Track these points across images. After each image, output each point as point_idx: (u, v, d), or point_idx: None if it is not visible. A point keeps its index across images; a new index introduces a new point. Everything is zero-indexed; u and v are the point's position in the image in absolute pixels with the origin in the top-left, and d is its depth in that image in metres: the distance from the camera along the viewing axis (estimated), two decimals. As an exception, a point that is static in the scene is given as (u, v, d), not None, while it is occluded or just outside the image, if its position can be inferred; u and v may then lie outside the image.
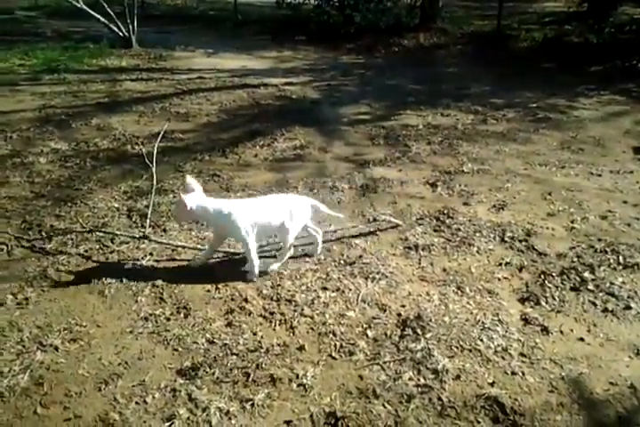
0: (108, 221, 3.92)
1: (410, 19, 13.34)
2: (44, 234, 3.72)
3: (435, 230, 3.94)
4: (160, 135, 4.88)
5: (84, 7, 11.07)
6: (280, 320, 2.88)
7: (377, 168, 5.16)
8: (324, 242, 3.57)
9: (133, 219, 3.97)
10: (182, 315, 2.90)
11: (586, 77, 9.31)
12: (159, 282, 3.18)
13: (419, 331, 2.81)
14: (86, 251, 3.53)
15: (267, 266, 3.31)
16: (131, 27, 10.94)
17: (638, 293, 3.19)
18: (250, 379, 2.45)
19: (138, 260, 3.42)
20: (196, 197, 3.10)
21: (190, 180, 3.19)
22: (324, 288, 3.18)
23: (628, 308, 3.05)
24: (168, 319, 2.86)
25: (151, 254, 3.49)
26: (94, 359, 2.57)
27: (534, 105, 7.56)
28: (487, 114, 7.07)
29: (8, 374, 2.46)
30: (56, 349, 2.63)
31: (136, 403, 2.31)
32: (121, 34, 11.06)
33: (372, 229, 3.91)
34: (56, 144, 5.60)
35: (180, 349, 2.65)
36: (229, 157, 5.38)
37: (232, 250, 3.54)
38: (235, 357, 2.59)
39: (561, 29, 12.17)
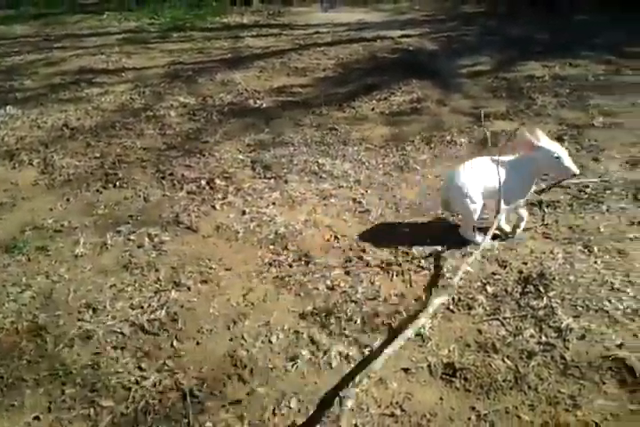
0: (234, 172, 4.12)
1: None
2: (176, 183, 3.99)
3: (561, 187, 3.74)
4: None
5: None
6: (397, 271, 2.92)
7: (498, 121, 4.95)
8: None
9: (257, 170, 4.14)
10: (303, 262, 3.02)
11: None
12: (282, 230, 3.32)
13: (541, 289, 2.73)
14: (214, 199, 3.74)
15: None
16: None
17: None
18: (368, 326, 2.53)
19: (262, 208, 3.59)
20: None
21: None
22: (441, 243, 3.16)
23: None
24: (290, 266, 3.00)
25: (274, 204, 3.64)
26: (223, 300, 2.75)
27: (680, 52, 6.80)
28: (621, 64, 6.46)
29: (147, 309, 2.69)
30: (189, 289, 2.83)
31: (262, 342, 2.46)
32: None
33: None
34: (185, 99, 5.90)
35: (302, 294, 2.77)
36: (346, 110, 5.39)
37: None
38: (354, 304, 2.68)
39: None
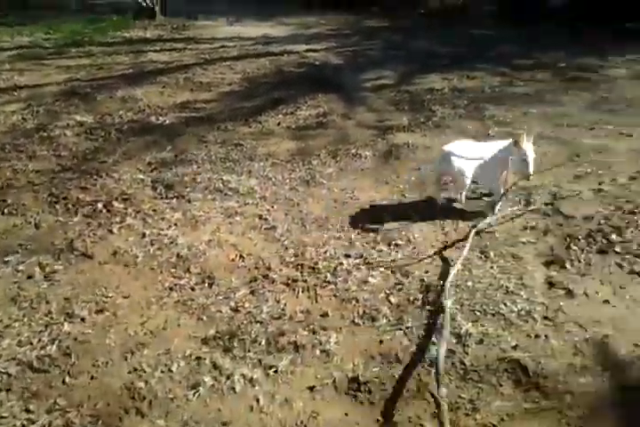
0: (133, 193, 3.98)
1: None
2: (70, 207, 3.79)
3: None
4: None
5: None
6: (303, 288, 2.91)
7: (400, 134, 5.09)
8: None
9: (158, 190, 4.02)
10: (207, 284, 2.95)
11: (620, 34, 8.94)
12: (184, 252, 3.23)
13: (441, 296, 2.81)
14: (111, 223, 3.59)
15: None
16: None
17: (668, 255, 3.12)
18: (273, 346, 2.50)
19: (163, 229, 3.48)
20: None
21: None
22: (347, 255, 3.19)
23: (656, 270, 3.00)
24: (193, 289, 2.92)
25: (176, 225, 3.54)
26: (120, 329, 2.62)
27: (563, 65, 7.33)
28: (514, 75, 6.89)
29: (37, 345, 2.52)
30: (83, 320, 2.68)
31: (161, 371, 2.37)
32: (144, 4, 11.00)
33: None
34: (82, 117, 5.66)
35: (204, 317, 2.70)
36: (252, 125, 5.37)
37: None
38: (259, 324, 2.64)
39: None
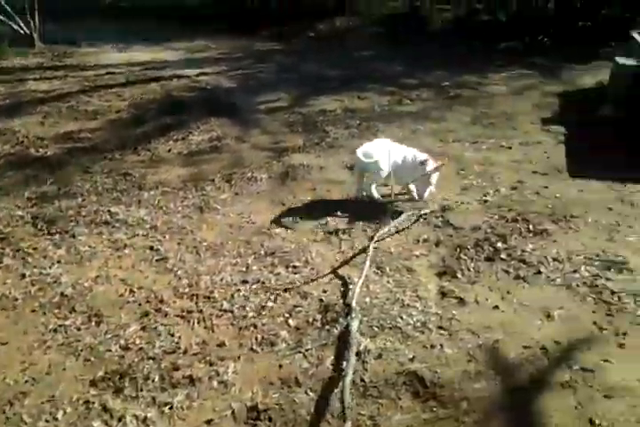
0: (11, 231, 3.70)
1: (325, 3, 13.30)
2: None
3: (355, 213, 3.96)
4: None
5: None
6: (198, 318, 2.81)
7: (295, 155, 5.12)
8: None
9: (39, 226, 3.76)
10: (94, 323, 2.78)
11: (495, 54, 9.61)
12: (69, 290, 3.03)
13: (340, 315, 2.82)
14: (-12, 264, 3.31)
15: None
16: (32, 23, 10.35)
17: (547, 257, 3.32)
18: (167, 382, 2.38)
19: (45, 268, 3.25)
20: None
21: None
22: (244, 281, 3.12)
23: (539, 273, 3.17)
24: (79, 329, 2.73)
25: (59, 262, 3.32)
26: (-2, 380, 2.41)
27: (447, 83, 7.72)
28: (402, 94, 7.15)
29: None
30: (-46, 373, 2.45)
31: (45, 421, 2.19)
32: (22, 32, 10.45)
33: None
34: (-48, 153, 5.24)
35: (92, 358, 2.53)
36: (141, 153, 5.20)
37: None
38: (151, 361, 2.51)
39: (471, 8, 12.46)
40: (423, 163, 3.89)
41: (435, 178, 3.97)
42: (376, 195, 4.08)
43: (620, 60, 6.26)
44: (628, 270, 3.17)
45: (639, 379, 2.36)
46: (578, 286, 3.04)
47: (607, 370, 2.42)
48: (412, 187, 4.07)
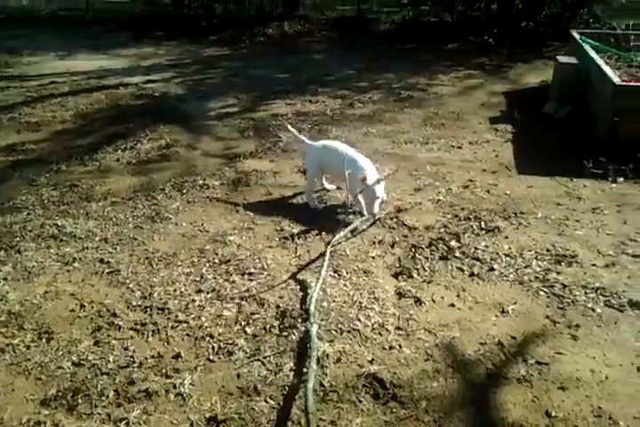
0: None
1: (273, 7, 13.32)
2: None
3: (309, 217, 3.94)
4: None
5: None
6: (153, 331, 2.73)
7: (248, 161, 5.08)
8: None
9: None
10: (44, 340, 2.67)
11: (443, 55, 9.80)
12: (16, 308, 2.91)
13: (298, 320, 2.79)
14: None
15: None
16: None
17: (500, 254, 3.38)
18: (123, 397, 2.31)
19: (-10, 286, 3.12)
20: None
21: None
22: (199, 291, 3.07)
23: (492, 269, 3.23)
24: (28, 347, 2.62)
25: (5, 279, 3.18)
26: (-62, 408, 2.29)
27: (397, 85, 7.82)
28: (354, 97, 7.19)
29: None
30: None
31: (-7, 446, 2.10)
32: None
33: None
34: None
35: (43, 377, 2.43)
36: (88, 164, 5.04)
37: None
38: (105, 376, 2.42)
39: (418, 10, 12.69)
40: (363, 180, 3.65)
41: (380, 190, 3.73)
42: (311, 200, 4.11)
43: (562, 58, 6.50)
44: (578, 263, 3.27)
45: (592, 369, 2.43)
46: (530, 280, 3.11)
47: (561, 362, 2.48)
48: (361, 199, 3.81)
